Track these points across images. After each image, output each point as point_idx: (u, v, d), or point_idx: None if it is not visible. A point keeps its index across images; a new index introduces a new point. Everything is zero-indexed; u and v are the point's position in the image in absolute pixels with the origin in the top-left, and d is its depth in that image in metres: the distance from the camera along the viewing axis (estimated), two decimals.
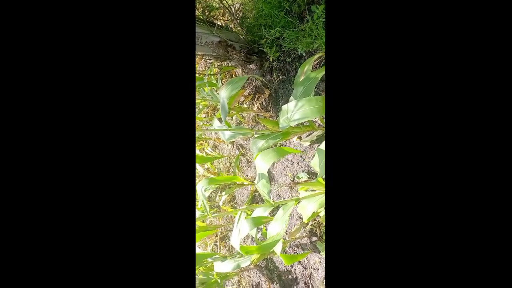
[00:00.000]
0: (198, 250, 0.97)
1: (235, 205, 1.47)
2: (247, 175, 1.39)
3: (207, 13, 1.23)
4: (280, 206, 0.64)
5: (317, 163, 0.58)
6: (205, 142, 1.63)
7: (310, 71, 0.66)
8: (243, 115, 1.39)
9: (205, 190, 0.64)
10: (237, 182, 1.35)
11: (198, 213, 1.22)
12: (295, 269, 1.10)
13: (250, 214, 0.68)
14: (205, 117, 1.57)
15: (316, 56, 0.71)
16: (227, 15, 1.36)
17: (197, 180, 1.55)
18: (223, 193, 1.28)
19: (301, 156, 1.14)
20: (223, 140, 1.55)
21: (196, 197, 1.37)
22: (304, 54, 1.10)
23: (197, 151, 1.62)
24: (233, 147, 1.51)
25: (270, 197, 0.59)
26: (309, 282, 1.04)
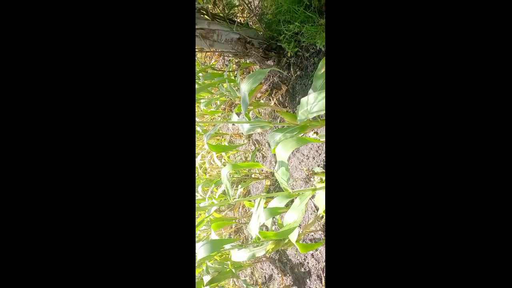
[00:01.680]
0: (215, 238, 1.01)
1: (251, 200, 1.50)
2: (262, 170, 1.42)
3: (227, 11, 1.26)
4: (296, 197, 0.66)
5: None
6: (222, 137, 1.67)
7: None
8: (260, 110, 1.41)
9: (229, 176, 0.67)
10: (253, 176, 1.38)
11: (215, 206, 1.27)
12: (308, 262, 1.11)
13: (266, 206, 0.70)
14: (222, 113, 1.61)
15: None
16: (246, 11, 1.39)
17: (215, 172, 1.59)
18: (239, 186, 1.31)
19: (316, 151, 1.14)
20: (239, 135, 1.58)
21: (214, 189, 1.41)
22: (322, 49, 1.10)
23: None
24: (249, 142, 1.53)
25: (288, 186, 0.61)
26: (322, 275, 1.05)
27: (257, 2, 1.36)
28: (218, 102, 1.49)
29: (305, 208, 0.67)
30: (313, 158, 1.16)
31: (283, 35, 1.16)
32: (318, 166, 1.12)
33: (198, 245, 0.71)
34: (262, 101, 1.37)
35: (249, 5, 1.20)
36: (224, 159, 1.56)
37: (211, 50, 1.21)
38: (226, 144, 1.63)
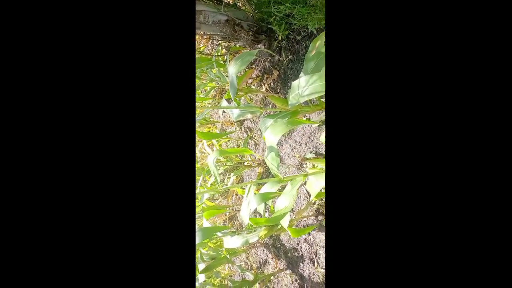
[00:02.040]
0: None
1: (243, 187, 1.50)
2: (255, 157, 1.41)
3: None
4: (288, 183, 0.65)
5: None
6: (213, 125, 1.64)
7: (322, 46, 0.64)
8: (251, 96, 1.38)
9: (216, 162, 0.65)
10: (245, 163, 1.37)
11: (207, 194, 1.26)
12: (301, 247, 1.14)
13: (258, 192, 0.70)
14: (213, 99, 1.57)
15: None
16: None
17: (206, 160, 1.58)
18: (232, 174, 1.30)
19: (309, 137, 1.14)
20: (231, 122, 1.55)
21: (206, 177, 1.40)
22: (314, 31, 1.06)
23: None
24: (241, 130, 1.51)
25: (279, 172, 0.60)
26: (315, 259, 1.07)
27: None
28: (208, 88, 1.44)
29: (297, 193, 0.66)
30: (306, 144, 1.15)
31: (274, 17, 1.11)
32: (311, 152, 1.12)
33: None
34: (253, 87, 1.34)
35: None
36: (216, 147, 1.53)
37: (198, 33, 1.15)
38: (217, 131, 1.60)
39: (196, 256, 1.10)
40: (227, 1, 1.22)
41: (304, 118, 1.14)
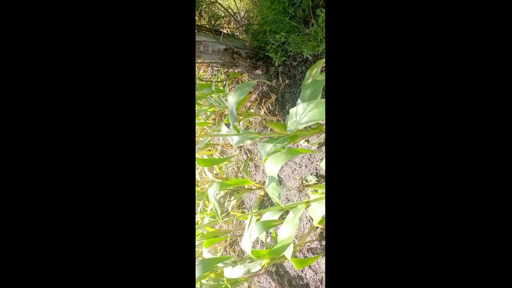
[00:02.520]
0: (208, 256, 0.97)
1: (244, 210, 1.46)
2: (255, 180, 1.39)
3: (213, 22, 1.26)
4: (290, 210, 0.64)
5: None
6: (213, 148, 1.64)
7: (318, 74, 0.66)
8: (250, 120, 1.40)
9: (216, 195, 0.64)
10: (246, 187, 1.36)
11: (207, 219, 1.23)
12: (305, 274, 1.09)
13: (260, 219, 0.68)
14: (213, 123, 1.59)
15: (325, 59, 0.72)
16: (232, 23, 1.39)
17: (206, 185, 1.56)
18: (232, 198, 1.28)
19: (309, 159, 1.13)
20: (231, 145, 1.56)
21: (206, 202, 1.38)
22: (310, 58, 1.11)
23: (205, 157, 1.63)
24: (241, 152, 1.51)
25: (280, 199, 0.59)
26: (321, 287, 1.02)
27: (243, 13, 1.37)
28: (208, 113, 1.47)
29: (299, 221, 0.65)
30: (306, 166, 1.15)
31: (270, 45, 1.17)
32: (311, 174, 1.11)
33: None
34: (252, 110, 1.36)
35: (235, 16, 1.20)
36: (216, 171, 1.53)
37: (198, 61, 1.19)
38: (217, 154, 1.60)
39: (196, 287, 1.05)
40: (225, 31, 1.28)
41: (303, 140, 1.14)
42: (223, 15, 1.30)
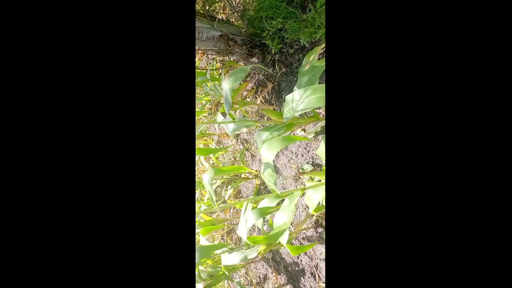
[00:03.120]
0: (205, 244, 0.99)
1: (241, 199, 1.48)
2: (252, 169, 1.40)
3: (207, 7, 1.22)
4: (286, 197, 0.64)
5: (323, 151, 0.58)
6: (210, 137, 1.63)
7: (316, 61, 0.65)
8: (247, 109, 1.38)
9: (211, 181, 0.64)
10: (242, 176, 1.36)
11: (204, 207, 1.24)
12: (301, 260, 1.11)
13: (256, 207, 0.68)
14: (209, 112, 1.57)
15: (322, 45, 0.71)
16: (227, 8, 1.35)
17: (203, 175, 1.56)
18: (229, 187, 1.28)
19: (305, 148, 1.14)
20: (227, 135, 1.55)
21: (202, 191, 1.38)
22: (307, 45, 1.08)
23: (202, 147, 1.62)
24: (237, 141, 1.51)
25: (277, 186, 0.60)
26: (316, 272, 1.05)
27: None
28: (204, 102, 1.45)
29: (295, 208, 0.65)
30: (302, 155, 1.15)
31: (266, 31, 1.14)
32: (307, 163, 1.12)
33: None
34: (248, 99, 1.35)
35: (230, 1, 1.17)
36: (212, 160, 1.52)
37: None
38: (214, 144, 1.59)
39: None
40: (220, 17, 1.25)
41: (299, 129, 1.14)
42: (217, 0, 1.25)
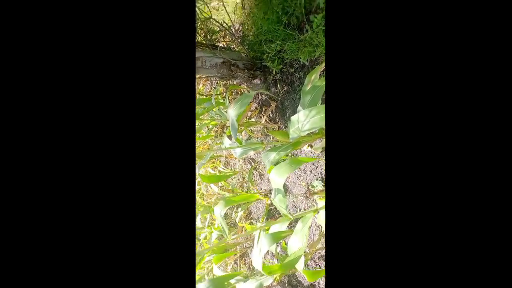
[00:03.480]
0: (218, 272, 0.95)
1: (252, 220, 1.44)
2: (261, 188, 1.38)
3: (209, 37, 1.29)
4: (299, 220, 0.63)
5: None
6: (217, 160, 1.64)
7: (317, 80, 0.66)
8: (252, 129, 1.40)
9: (224, 214, 0.63)
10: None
11: (215, 233, 1.21)
12: (318, 283, 1.05)
13: (268, 229, 0.66)
14: (215, 135, 1.59)
15: (323, 64, 0.72)
16: (228, 36, 1.42)
17: (212, 199, 1.54)
18: (239, 209, 1.26)
19: (313, 164, 1.12)
20: (234, 156, 1.55)
21: (213, 216, 1.36)
22: (306, 63, 1.11)
23: (209, 170, 1.63)
24: (245, 161, 1.51)
25: (287, 211, 0.58)
26: None
27: (237, 26, 1.40)
28: (210, 126, 1.47)
29: (309, 230, 0.63)
30: (311, 171, 1.13)
31: (266, 54, 1.18)
32: (317, 179, 1.10)
33: (200, 286, 0.65)
34: (253, 120, 1.36)
35: (230, 30, 1.23)
36: (221, 183, 1.52)
37: (197, 76, 1.21)
38: (222, 166, 1.59)
39: None
40: (221, 45, 1.30)
41: (306, 146, 1.13)
42: (218, 29, 1.32)
